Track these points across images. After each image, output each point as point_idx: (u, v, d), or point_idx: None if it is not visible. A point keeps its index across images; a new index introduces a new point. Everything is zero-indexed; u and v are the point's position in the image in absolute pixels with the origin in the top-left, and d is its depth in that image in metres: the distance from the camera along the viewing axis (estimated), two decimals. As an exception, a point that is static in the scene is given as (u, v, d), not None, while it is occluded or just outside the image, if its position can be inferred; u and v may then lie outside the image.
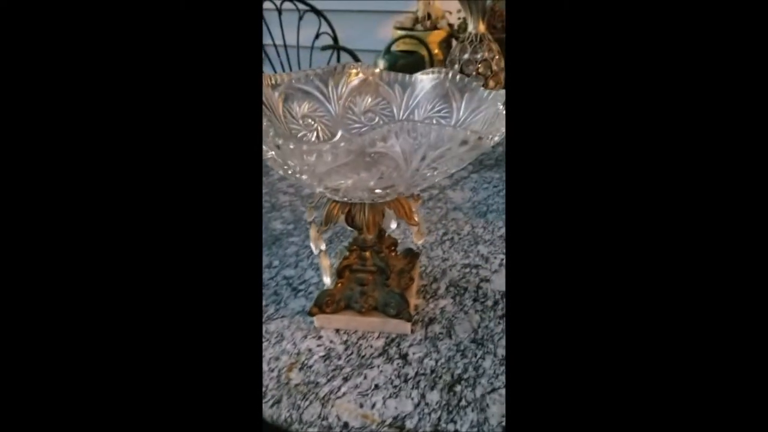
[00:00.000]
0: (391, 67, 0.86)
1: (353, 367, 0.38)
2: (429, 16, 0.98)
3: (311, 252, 0.53)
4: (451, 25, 1.00)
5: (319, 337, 0.41)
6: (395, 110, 0.44)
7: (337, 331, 0.42)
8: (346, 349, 0.40)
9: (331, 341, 0.41)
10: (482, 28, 0.83)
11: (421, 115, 0.43)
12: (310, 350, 0.40)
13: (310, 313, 0.41)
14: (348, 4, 1.16)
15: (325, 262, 0.38)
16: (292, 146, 0.29)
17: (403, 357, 0.39)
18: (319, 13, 1.11)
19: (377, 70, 0.44)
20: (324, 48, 0.88)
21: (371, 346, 0.40)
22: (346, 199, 0.36)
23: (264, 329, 0.42)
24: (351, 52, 0.82)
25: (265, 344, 0.41)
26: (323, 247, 0.37)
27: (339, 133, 0.43)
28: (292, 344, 0.40)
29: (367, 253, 0.41)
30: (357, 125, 0.44)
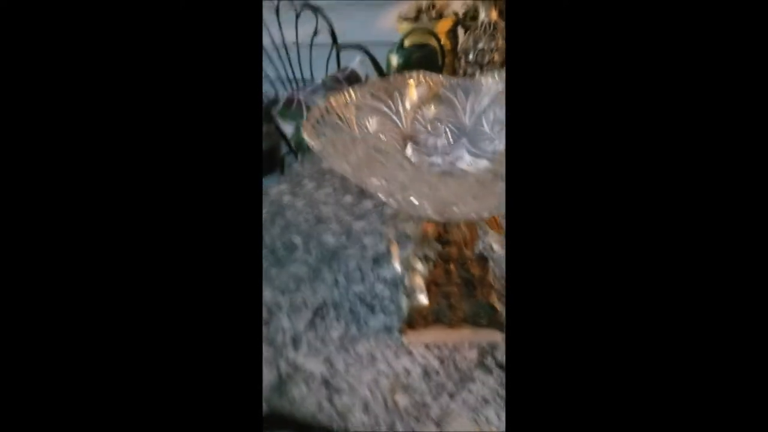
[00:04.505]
0: (406, 63, 0.85)
1: (455, 382, 0.38)
2: (433, 5, 0.97)
3: (374, 264, 0.52)
4: (456, 13, 0.98)
5: (411, 354, 0.41)
6: (461, 117, 0.43)
7: (427, 346, 0.41)
8: (442, 364, 0.40)
9: (424, 357, 0.40)
10: (495, 15, 0.83)
11: (491, 120, 0.42)
12: (407, 370, 0.40)
13: (401, 332, 0.41)
14: (344, -4, 1.13)
15: (419, 281, 0.38)
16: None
17: (501, 366, 0.39)
18: (316, 10, 1.08)
19: (439, 77, 0.43)
20: (342, 49, 0.85)
21: (466, 358, 0.40)
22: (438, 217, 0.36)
23: (352, 351, 0.42)
24: (366, 51, 0.80)
25: (358, 367, 0.40)
26: (420, 267, 0.37)
27: (408, 147, 0.42)
28: (386, 365, 0.40)
29: (452, 266, 0.41)
30: (424, 135, 0.43)
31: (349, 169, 0.31)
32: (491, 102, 0.42)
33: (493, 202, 0.29)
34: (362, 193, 0.67)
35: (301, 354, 0.42)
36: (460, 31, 0.99)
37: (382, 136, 0.41)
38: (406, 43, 0.86)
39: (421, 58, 0.85)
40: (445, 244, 0.39)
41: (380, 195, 0.33)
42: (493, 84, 0.42)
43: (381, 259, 0.53)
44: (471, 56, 0.81)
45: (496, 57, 0.81)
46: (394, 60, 0.85)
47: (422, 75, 0.43)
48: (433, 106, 0.43)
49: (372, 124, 0.42)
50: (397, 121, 0.42)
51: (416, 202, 0.29)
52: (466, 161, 0.41)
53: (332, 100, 0.39)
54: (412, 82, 0.43)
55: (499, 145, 0.41)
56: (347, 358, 0.41)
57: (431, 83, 0.43)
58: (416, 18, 0.98)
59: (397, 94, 0.42)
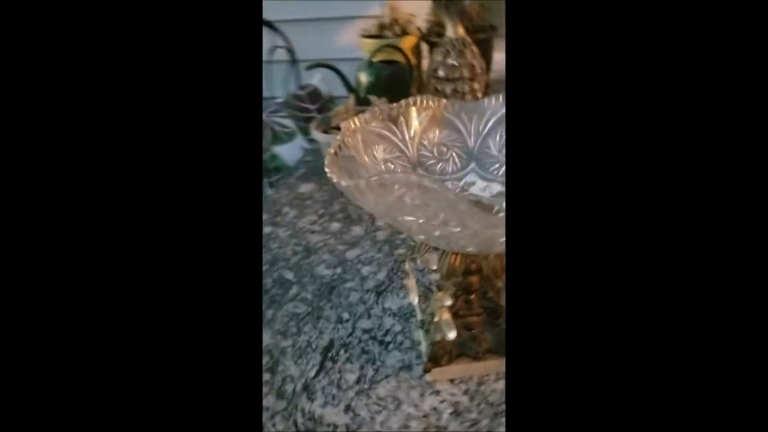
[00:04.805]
0: (377, 80, 0.83)
1: (488, 417, 0.36)
2: (396, 21, 0.96)
3: (377, 297, 0.50)
4: (419, 29, 0.98)
5: (437, 392, 0.39)
6: (467, 140, 0.42)
7: (452, 381, 0.40)
8: (471, 400, 0.38)
9: (452, 394, 0.39)
10: (461, 31, 0.83)
11: (497, 142, 0.41)
12: (435, 409, 0.37)
13: (427, 370, 0.38)
14: (301, 12, 1.10)
15: (446, 316, 0.36)
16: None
17: (533, 395, 0.38)
18: (270, 26, 1.05)
19: (442, 101, 0.42)
20: (309, 68, 0.82)
21: (495, 391, 0.38)
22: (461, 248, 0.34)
23: (375, 396, 0.39)
24: (335, 69, 0.78)
25: (385, 413, 0.37)
26: (449, 302, 0.35)
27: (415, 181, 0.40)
28: (413, 406, 0.38)
29: (473, 297, 0.39)
30: (432, 161, 0.42)
31: (382, 210, 0.29)
32: (496, 124, 0.41)
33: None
34: (349, 219, 0.64)
35: (318, 404, 0.39)
36: (424, 47, 0.99)
37: (391, 165, 0.39)
38: (374, 60, 0.85)
39: (391, 75, 0.84)
40: (466, 275, 0.38)
41: (413, 232, 0.31)
42: (497, 105, 0.41)
43: (384, 290, 0.51)
44: (441, 72, 0.81)
45: (466, 73, 0.82)
46: (364, 77, 0.84)
47: (426, 99, 0.42)
48: (438, 131, 0.42)
49: (379, 152, 0.40)
50: (404, 148, 0.41)
51: (462, 241, 0.27)
52: (479, 186, 0.40)
53: (343, 130, 0.36)
54: (414, 107, 0.41)
55: (510, 168, 0.40)
56: (369, 403, 0.38)
57: (434, 107, 0.42)
58: (379, 34, 0.97)
59: (402, 119, 0.41)
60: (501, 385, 0.39)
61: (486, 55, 0.95)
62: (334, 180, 0.28)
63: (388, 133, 0.40)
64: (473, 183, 0.40)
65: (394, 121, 0.40)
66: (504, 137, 0.41)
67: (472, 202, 0.25)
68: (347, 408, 0.38)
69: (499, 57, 1.04)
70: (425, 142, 0.41)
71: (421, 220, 0.28)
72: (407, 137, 0.41)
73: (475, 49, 0.83)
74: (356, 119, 0.38)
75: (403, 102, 0.41)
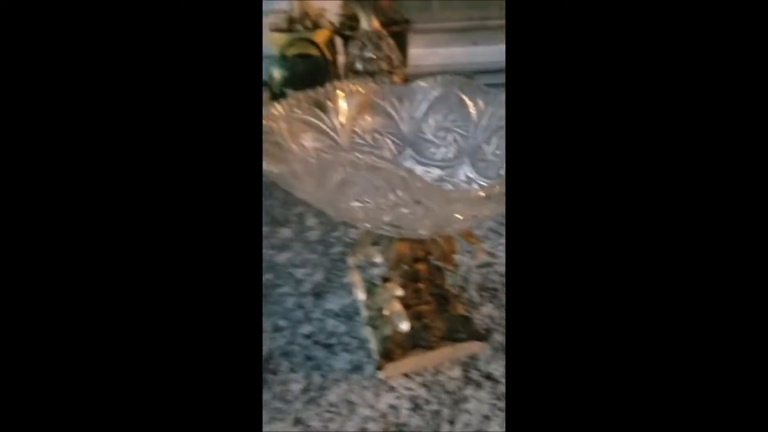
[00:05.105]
0: (292, 75, 0.79)
1: (449, 406, 0.35)
2: (307, 14, 0.93)
3: (315, 300, 0.46)
4: (332, 23, 0.96)
5: (393, 389, 0.37)
6: (401, 126, 0.41)
7: (406, 375, 0.38)
8: (429, 392, 0.36)
9: (408, 389, 0.37)
10: (376, 24, 0.82)
11: (432, 127, 0.40)
12: (393, 407, 0.35)
13: (380, 368, 0.36)
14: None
15: (398, 307, 0.34)
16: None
17: (488, 377, 0.37)
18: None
19: (370, 85, 0.40)
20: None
21: (451, 378, 0.37)
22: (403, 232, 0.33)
23: (325, 403, 0.36)
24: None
25: (339, 419, 0.35)
26: (400, 292, 0.33)
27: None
28: (369, 408, 0.35)
29: (421, 285, 0.38)
30: (366, 149, 0.39)
31: (322, 198, 0.26)
32: (428, 108, 0.41)
33: (487, 214, 0.27)
34: (275, 221, 0.60)
35: (263, 421, 0.35)
36: (338, 41, 0.97)
37: (324, 154, 0.36)
38: (288, 54, 0.81)
39: (307, 69, 0.80)
40: (414, 262, 0.36)
41: (358, 221, 0.28)
42: (427, 88, 0.40)
43: (322, 292, 0.48)
44: (359, 66, 0.80)
45: (384, 66, 0.81)
46: (278, 73, 0.79)
47: (353, 84, 0.39)
48: (369, 117, 0.40)
49: (307, 140, 0.37)
50: (335, 136, 0.38)
51: (415, 224, 0.25)
52: (418, 172, 0.39)
53: (266, 116, 0.33)
54: (341, 92, 0.39)
55: (446, 151, 0.40)
56: (320, 412, 0.35)
57: (364, 92, 0.40)
58: (289, 29, 0.93)
59: (330, 105, 0.38)
60: (457, 372, 0.38)
61: (402, 49, 0.95)
62: (264, 167, 0.25)
63: (316, 121, 0.37)
64: (412, 169, 0.39)
65: (321, 107, 0.38)
66: (438, 121, 0.40)
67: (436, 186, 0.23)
68: (296, 421, 0.35)
69: (415, 52, 1.05)
70: (357, 129, 0.39)
71: (369, 205, 0.26)
72: (337, 125, 0.38)
73: (391, 41, 0.83)
74: (279, 105, 0.35)
75: (328, 86, 0.38)
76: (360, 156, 0.23)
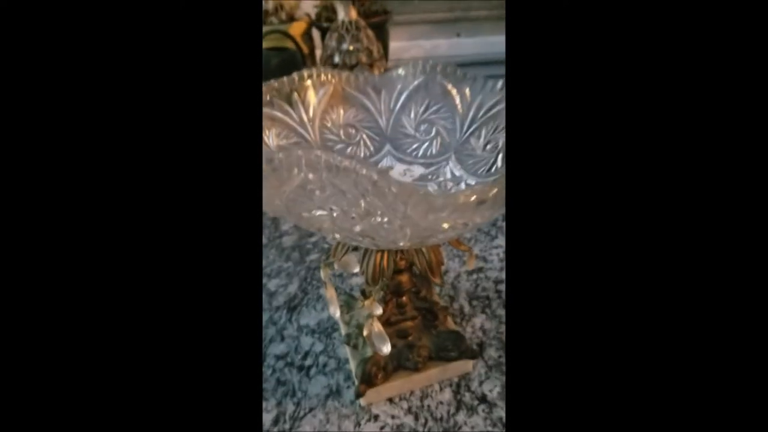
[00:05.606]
0: (266, 68, 0.74)
1: (438, 437, 0.31)
2: (281, 6, 0.88)
3: (290, 315, 0.42)
4: (308, 15, 0.91)
5: (376, 417, 0.33)
6: (378, 120, 0.36)
7: (390, 400, 0.34)
8: (416, 419, 0.32)
9: (393, 416, 0.33)
10: (354, 15, 0.78)
11: (412, 120, 0.36)
12: (376, 440, 0.31)
13: (360, 394, 0.32)
14: None
15: (378, 328, 0.30)
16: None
17: (483, 399, 0.33)
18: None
19: (342, 75, 0.35)
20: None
21: (441, 402, 0.33)
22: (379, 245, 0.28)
23: (299, 438, 0.31)
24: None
25: (314, 458, 0.30)
26: (379, 311, 0.29)
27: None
28: (349, 441, 0.31)
29: (405, 299, 0.34)
30: (339, 146, 0.35)
31: (279, 205, 0.22)
32: (408, 99, 0.36)
33: (479, 221, 0.23)
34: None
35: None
36: (315, 33, 0.92)
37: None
38: (262, 47, 0.76)
39: (282, 62, 0.75)
40: (395, 274, 0.32)
41: (325, 231, 0.24)
42: (407, 76, 0.36)
43: (297, 305, 0.43)
44: (337, 59, 0.75)
45: (364, 58, 0.76)
46: (251, 68, 0.75)
47: (322, 72, 0.35)
48: (342, 110, 0.35)
49: (271, 137, 0.32)
50: (303, 132, 0.34)
51: (393, 235, 0.21)
52: (398, 171, 0.35)
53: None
54: (310, 82, 0.35)
55: (429, 147, 0.35)
56: (294, 447, 0.31)
57: (334, 81, 0.35)
58: (264, 21, 0.88)
59: (296, 98, 0.33)
60: (447, 395, 0.34)
61: (383, 41, 0.91)
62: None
63: (281, 114, 0.33)
64: (391, 167, 0.35)
65: (287, 99, 0.33)
66: (419, 113, 0.36)
67: (406, 184, 0.19)
68: (267, 460, 0.31)
69: (396, 45, 1.01)
70: (328, 124, 0.35)
71: (335, 213, 0.21)
72: (305, 119, 0.34)
73: (370, 32, 0.78)
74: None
75: (295, 75, 0.34)
76: (319, 153, 0.19)
